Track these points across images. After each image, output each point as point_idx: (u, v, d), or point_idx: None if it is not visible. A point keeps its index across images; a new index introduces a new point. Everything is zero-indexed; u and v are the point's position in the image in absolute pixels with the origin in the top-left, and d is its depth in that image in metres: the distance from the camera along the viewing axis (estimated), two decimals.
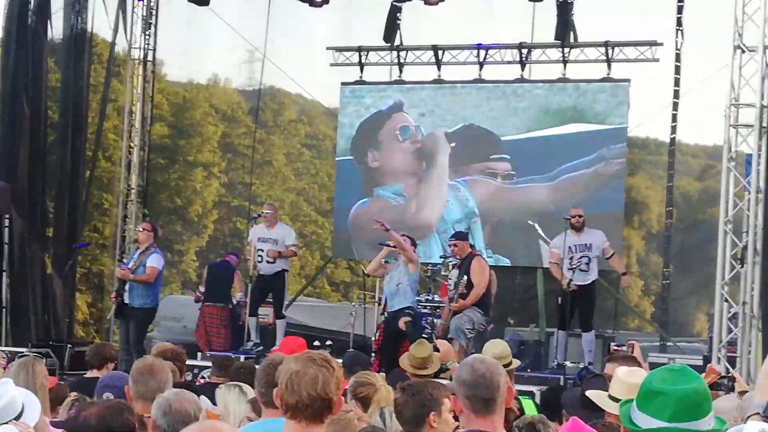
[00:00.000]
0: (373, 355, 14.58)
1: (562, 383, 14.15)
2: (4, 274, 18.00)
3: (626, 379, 6.24)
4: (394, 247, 14.62)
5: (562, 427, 3.99)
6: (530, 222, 18.48)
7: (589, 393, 6.55)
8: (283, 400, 4.59)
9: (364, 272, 16.79)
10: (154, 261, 15.90)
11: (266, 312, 17.53)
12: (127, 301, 15.85)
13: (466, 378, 5.04)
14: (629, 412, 3.60)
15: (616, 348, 10.13)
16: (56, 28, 19.41)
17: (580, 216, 15.80)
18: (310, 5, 18.85)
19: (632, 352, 8.47)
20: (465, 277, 14.31)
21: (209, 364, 12.16)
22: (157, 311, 16.98)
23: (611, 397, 6.26)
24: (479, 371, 5.05)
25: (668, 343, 18.73)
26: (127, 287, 15.86)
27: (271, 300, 17.36)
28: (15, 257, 18.20)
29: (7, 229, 18.00)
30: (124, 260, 16.58)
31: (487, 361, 5.21)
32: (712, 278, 15.26)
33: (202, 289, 18.28)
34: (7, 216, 18.04)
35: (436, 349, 9.80)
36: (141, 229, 16.40)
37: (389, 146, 19.66)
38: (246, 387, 7.05)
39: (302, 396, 4.54)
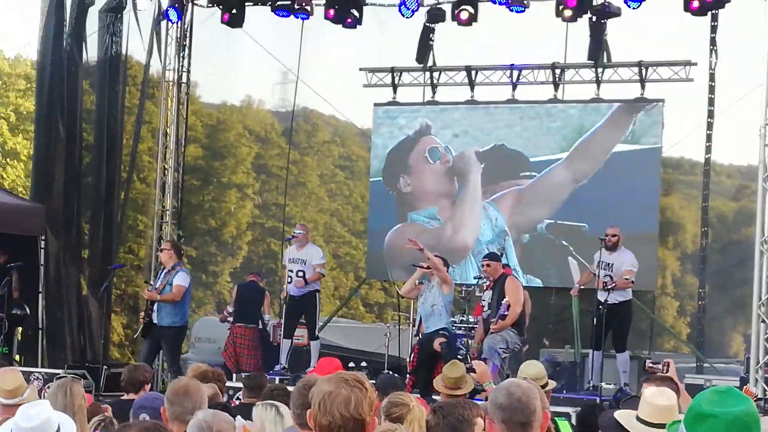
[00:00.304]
0: (407, 376, 14.56)
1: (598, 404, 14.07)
2: (40, 295, 18.09)
3: (654, 400, 6.19)
4: (428, 268, 14.60)
5: None
6: (564, 243, 18.44)
7: (617, 414, 6.50)
8: (316, 421, 4.58)
9: (399, 293, 16.78)
10: (181, 279, 15.94)
11: (301, 333, 17.54)
12: (156, 321, 15.89)
13: (503, 402, 5.02)
14: None
15: (651, 365, 10.03)
16: (91, 51, 19.59)
17: (614, 235, 15.73)
18: (343, 26, 18.88)
19: (667, 371, 8.39)
20: (506, 299, 14.28)
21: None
22: (192, 332, 17.02)
23: (639, 419, 6.20)
24: (515, 395, 5.03)
25: (704, 364, 18.61)
26: (155, 307, 15.90)
27: (305, 321, 17.38)
28: (51, 278, 18.31)
29: (42, 251, 18.10)
30: (151, 281, 16.59)
31: (523, 384, 5.18)
32: (748, 299, 15.17)
33: (230, 309, 18.32)
34: (42, 237, 18.15)
35: (471, 370, 9.76)
36: (162, 250, 16.44)
37: (420, 169, 19.69)
38: (283, 407, 7.04)
39: (335, 417, 4.52)
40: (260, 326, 17.99)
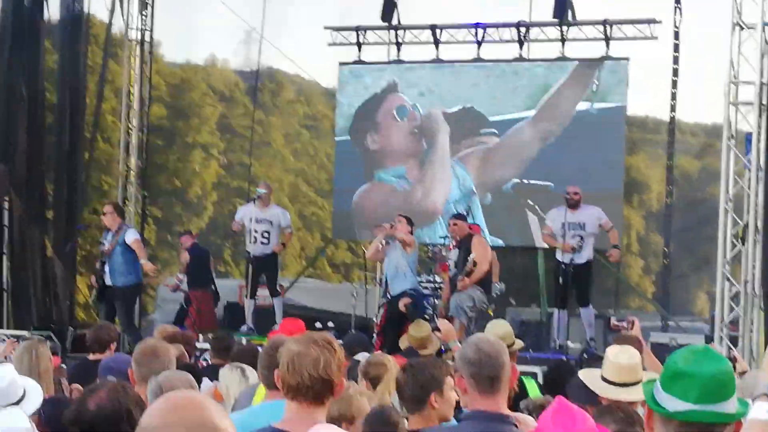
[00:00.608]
0: (374, 336, 14.60)
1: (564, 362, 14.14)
2: (4, 257, 17.98)
3: (617, 360, 6.22)
4: (391, 226, 14.68)
5: (548, 408, 3.97)
6: (530, 202, 18.47)
7: (581, 373, 6.53)
8: (284, 381, 4.57)
9: (365, 252, 16.80)
10: (133, 234, 15.92)
11: (264, 293, 17.51)
12: (109, 282, 15.81)
13: (471, 357, 5.03)
14: (654, 392, 3.57)
15: (616, 323, 10.11)
16: (53, 9, 19.35)
17: (576, 194, 15.71)
18: None
19: (632, 329, 8.43)
20: (471, 255, 14.30)
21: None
22: (159, 293, 16.97)
23: (603, 379, 6.23)
24: (484, 350, 5.04)
25: (669, 323, 18.72)
26: (106, 269, 15.81)
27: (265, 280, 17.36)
28: (15, 240, 18.17)
29: (6, 212, 17.97)
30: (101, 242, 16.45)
31: (492, 340, 5.20)
32: (713, 257, 15.26)
33: (180, 276, 18.26)
34: (6, 198, 18.01)
35: (436, 329, 9.78)
36: (104, 213, 16.16)
37: (387, 126, 19.62)
38: (249, 369, 7.04)
39: (303, 377, 4.52)
40: (213, 287, 18.02)
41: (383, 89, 19.58)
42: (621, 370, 6.15)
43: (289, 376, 4.54)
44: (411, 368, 5.80)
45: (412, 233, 15.00)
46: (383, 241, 15.00)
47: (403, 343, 9.90)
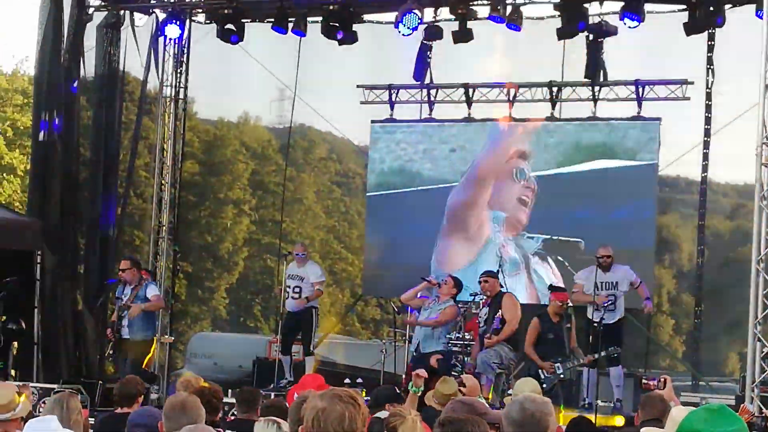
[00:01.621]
0: (402, 393, 14.56)
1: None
2: (36, 310, 18.05)
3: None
4: (438, 285, 14.92)
5: None
6: (560, 258, 18.46)
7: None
8: None
9: (395, 310, 16.85)
10: (155, 290, 16.09)
11: (297, 350, 17.56)
12: (126, 336, 15.90)
13: (516, 417, 5.01)
14: None
15: (646, 382, 10.05)
16: (89, 66, 19.59)
17: (608, 256, 15.74)
18: (339, 44, 18.92)
19: (664, 388, 8.38)
20: (499, 313, 14.36)
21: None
22: (188, 348, 16.99)
23: None
24: (529, 411, 5.01)
25: (700, 383, 18.60)
26: (125, 322, 15.90)
27: (300, 337, 17.42)
28: (46, 293, 18.26)
29: (38, 266, 18.07)
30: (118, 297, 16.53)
31: (538, 400, 5.15)
32: (744, 317, 15.13)
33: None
34: (38, 252, 18.11)
35: (462, 385, 9.75)
36: (123, 270, 16.28)
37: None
38: (284, 424, 7.04)
39: None
40: None
41: None
42: None
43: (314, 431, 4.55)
44: (449, 425, 5.69)
45: (455, 296, 15.21)
46: (421, 293, 15.21)
47: (429, 400, 9.86)
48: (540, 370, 14.58)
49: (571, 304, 15.27)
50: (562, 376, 14.71)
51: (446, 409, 5.93)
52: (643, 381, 12.47)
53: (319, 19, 18.99)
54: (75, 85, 19.24)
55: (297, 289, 16.97)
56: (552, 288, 15.58)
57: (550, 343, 14.85)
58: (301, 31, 18.77)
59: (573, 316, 15.11)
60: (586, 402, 15.44)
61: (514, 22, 17.46)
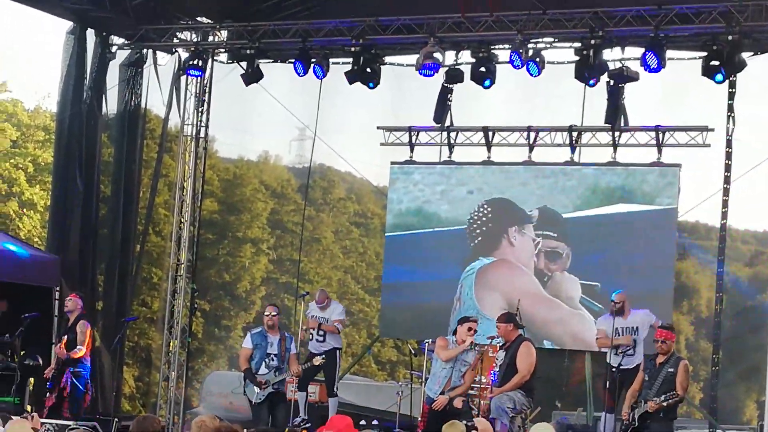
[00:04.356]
0: None
1: None
2: (54, 346, 18.06)
3: None
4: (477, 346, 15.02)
5: None
6: (580, 306, 18.43)
7: None
8: None
9: (411, 351, 16.84)
10: (294, 347, 15.75)
11: (313, 390, 17.50)
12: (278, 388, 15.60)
13: None
14: None
15: None
16: (111, 104, 19.73)
17: (615, 302, 15.64)
18: (362, 84, 18.98)
19: None
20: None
21: None
22: (204, 386, 16.92)
23: None
24: None
25: (717, 431, 18.49)
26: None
27: (321, 378, 17.37)
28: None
29: (56, 302, 18.11)
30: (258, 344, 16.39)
31: None
32: (762, 365, 15.09)
33: None
34: (57, 289, 18.16)
35: (473, 428, 9.65)
36: (274, 314, 15.63)
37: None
38: None
39: None
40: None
41: None
42: None
43: None
44: None
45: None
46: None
47: None
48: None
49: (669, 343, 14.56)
50: (634, 423, 13.82)
51: None
52: None
53: (340, 60, 19.09)
54: (97, 122, 19.36)
55: (321, 333, 16.97)
56: (661, 326, 14.91)
57: (645, 386, 13.89)
58: (323, 69, 18.80)
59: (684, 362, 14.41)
60: None
61: (535, 66, 17.49)
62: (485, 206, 19.49)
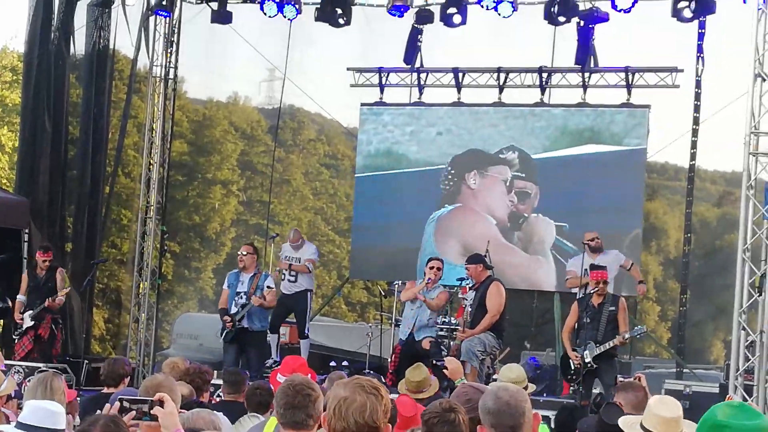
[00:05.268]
0: (387, 375, 14.68)
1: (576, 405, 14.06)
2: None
3: (658, 411, 6.03)
4: (447, 288, 15.17)
5: None
6: (547, 250, 18.52)
7: (621, 421, 6.39)
8: (331, 426, 4.61)
9: (381, 293, 16.90)
10: (272, 282, 16.13)
11: (284, 332, 17.59)
12: (246, 325, 15.89)
13: (491, 407, 5.05)
14: None
15: (622, 380, 10.13)
16: (79, 45, 19.57)
17: (597, 238, 15.86)
18: (330, 25, 18.90)
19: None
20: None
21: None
22: (174, 328, 16.99)
23: (643, 428, 6.11)
24: (503, 399, 5.06)
25: (684, 370, 18.66)
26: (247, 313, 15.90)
27: (293, 320, 17.45)
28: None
29: (26, 244, 18.06)
30: (224, 286, 16.52)
31: (511, 388, 5.21)
32: (729, 305, 15.20)
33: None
34: (26, 231, 18.11)
35: (444, 367, 9.64)
36: (245, 253, 16.29)
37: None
38: None
39: (349, 423, 4.55)
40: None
41: None
42: (664, 422, 6.01)
43: (336, 420, 4.58)
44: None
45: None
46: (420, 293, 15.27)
47: (401, 386, 9.88)
48: (570, 360, 14.33)
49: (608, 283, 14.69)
50: (590, 365, 14.12)
51: (456, 392, 5.96)
52: (619, 379, 12.44)
53: (311, 0, 18.99)
54: (65, 63, 19.21)
55: (293, 274, 17.05)
56: (592, 267, 15.02)
57: (586, 328, 14.22)
58: (297, 8, 18.64)
59: (621, 299, 14.61)
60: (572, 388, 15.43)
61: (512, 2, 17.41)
62: (456, 161, 19.44)
